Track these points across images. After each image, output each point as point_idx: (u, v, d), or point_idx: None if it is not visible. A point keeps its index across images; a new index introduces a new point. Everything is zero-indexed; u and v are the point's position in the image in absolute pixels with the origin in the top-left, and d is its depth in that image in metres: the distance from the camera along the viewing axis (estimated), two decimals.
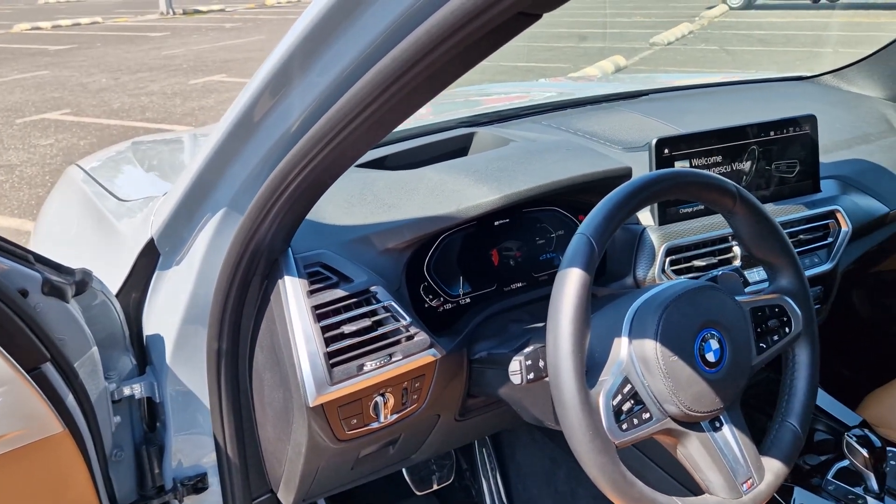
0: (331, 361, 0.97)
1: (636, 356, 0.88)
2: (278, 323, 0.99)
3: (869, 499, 1.20)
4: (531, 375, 0.90)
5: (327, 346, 0.97)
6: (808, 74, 2.01)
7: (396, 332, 1.03)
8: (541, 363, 0.91)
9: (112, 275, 1.08)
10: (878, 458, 1.19)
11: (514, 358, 0.91)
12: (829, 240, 1.42)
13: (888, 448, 1.28)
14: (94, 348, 0.97)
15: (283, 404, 1.02)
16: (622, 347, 0.89)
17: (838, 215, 1.42)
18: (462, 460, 1.78)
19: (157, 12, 17.41)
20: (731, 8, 13.56)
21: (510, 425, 1.46)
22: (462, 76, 0.73)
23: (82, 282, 0.95)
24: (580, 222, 1.30)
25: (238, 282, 0.96)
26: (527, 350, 0.91)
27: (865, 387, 1.60)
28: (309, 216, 0.96)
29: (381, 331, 1.02)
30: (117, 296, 1.07)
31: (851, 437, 1.20)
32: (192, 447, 1.09)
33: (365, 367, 0.99)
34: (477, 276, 1.18)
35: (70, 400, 0.88)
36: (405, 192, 1.13)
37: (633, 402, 0.86)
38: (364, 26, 0.72)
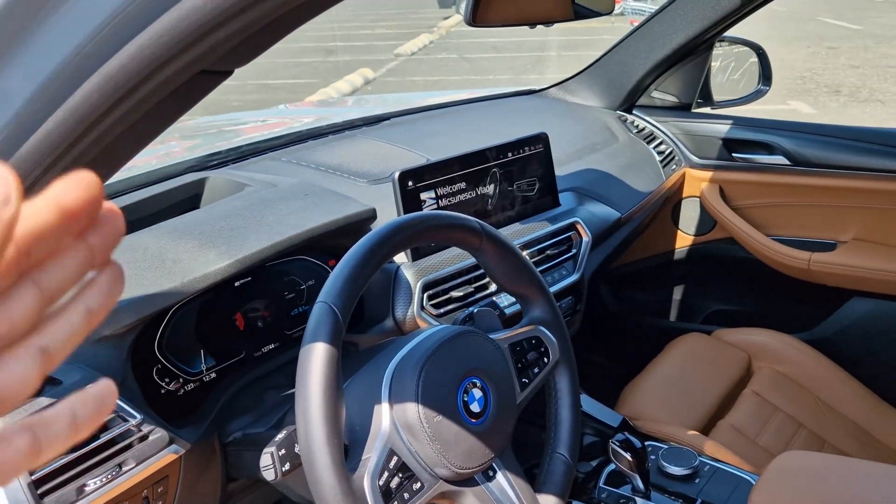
0: (39, 491, 0.79)
1: (399, 423, 0.81)
2: None
3: (637, 499, 1.25)
4: (287, 466, 0.80)
5: (32, 471, 0.79)
6: (537, 88, 2.11)
7: (126, 434, 0.87)
8: (296, 448, 0.81)
9: None
10: (640, 459, 1.23)
11: (265, 451, 0.80)
12: (574, 251, 1.48)
13: (648, 443, 1.34)
14: None
15: None
16: (384, 416, 0.81)
17: (578, 226, 1.48)
18: None
19: None
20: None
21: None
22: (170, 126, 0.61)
23: None
24: (331, 268, 1.22)
25: None
26: (279, 437, 0.81)
27: (623, 380, 1.70)
28: None
29: (105, 437, 0.85)
30: None
31: (615, 443, 1.24)
32: None
33: (87, 488, 0.82)
34: (221, 346, 1.05)
35: None
36: None
37: (401, 475, 0.79)
38: (12, 88, 0.57)
